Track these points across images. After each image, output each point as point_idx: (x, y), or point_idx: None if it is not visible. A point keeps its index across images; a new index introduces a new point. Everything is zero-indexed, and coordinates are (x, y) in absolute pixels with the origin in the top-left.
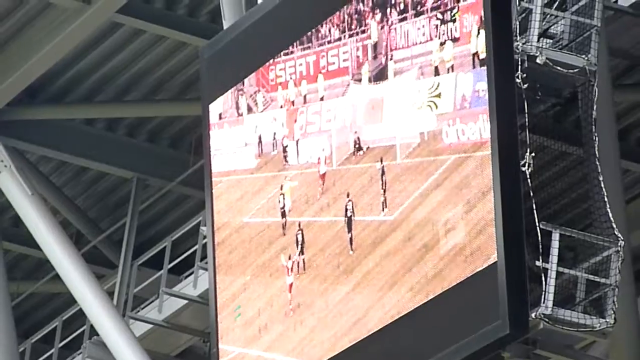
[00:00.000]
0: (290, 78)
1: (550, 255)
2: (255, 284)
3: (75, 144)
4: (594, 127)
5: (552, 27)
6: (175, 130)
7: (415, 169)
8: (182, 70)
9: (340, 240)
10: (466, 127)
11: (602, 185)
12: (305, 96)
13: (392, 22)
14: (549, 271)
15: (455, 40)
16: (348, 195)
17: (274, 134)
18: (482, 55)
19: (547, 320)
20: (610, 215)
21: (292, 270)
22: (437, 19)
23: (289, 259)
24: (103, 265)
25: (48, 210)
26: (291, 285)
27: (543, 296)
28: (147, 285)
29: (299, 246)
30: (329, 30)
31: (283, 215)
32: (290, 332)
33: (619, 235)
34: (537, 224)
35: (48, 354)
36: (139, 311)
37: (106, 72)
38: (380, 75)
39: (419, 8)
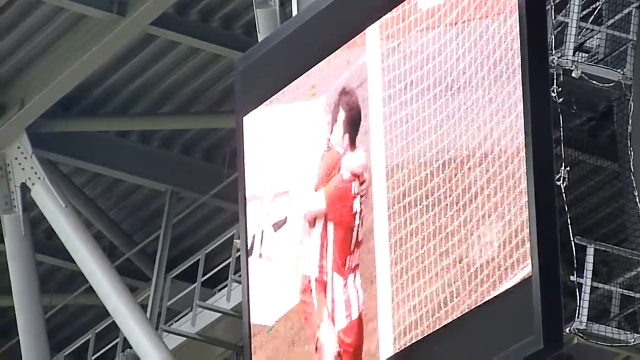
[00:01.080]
0: None
1: (585, 270)
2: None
3: (109, 156)
4: (629, 141)
5: (588, 41)
6: (210, 142)
7: None
8: (217, 83)
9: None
10: None
11: (637, 200)
12: None
13: None
14: (584, 286)
15: None
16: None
17: None
18: None
19: (581, 335)
20: None
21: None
22: None
23: None
24: (136, 278)
25: (81, 223)
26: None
27: (577, 311)
28: (181, 298)
29: None
30: None
31: None
32: None
33: None
34: (571, 239)
35: None
36: (172, 324)
37: (140, 84)
38: None
39: None
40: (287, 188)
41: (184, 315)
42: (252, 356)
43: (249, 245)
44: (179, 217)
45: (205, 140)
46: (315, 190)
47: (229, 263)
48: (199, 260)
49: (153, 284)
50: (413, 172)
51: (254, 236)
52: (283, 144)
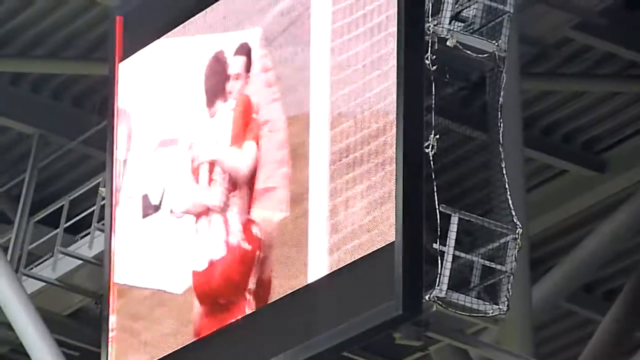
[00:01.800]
0: None
1: (448, 239)
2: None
3: None
4: (499, 113)
5: (465, 11)
6: (80, 89)
7: None
8: (91, 29)
9: None
10: None
11: (504, 172)
12: None
13: None
14: (446, 254)
15: None
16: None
17: None
18: None
19: (440, 303)
20: (510, 202)
21: None
22: None
23: None
24: None
25: None
26: None
27: (438, 279)
28: (43, 242)
29: None
30: None
31: None
32: None
33: (518, 222)
34: (437, 207)
35: None
36: (32, 268)
37: (14, 26)
38: None
39: None
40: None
41: (45, 261)
42: (111, 305)
43: (158, 200)
44: (46, 161)
45: (76, 86)
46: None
47: (94, 211)
48: (63, 206)
49: (15, 226)
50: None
51: (163, 190)
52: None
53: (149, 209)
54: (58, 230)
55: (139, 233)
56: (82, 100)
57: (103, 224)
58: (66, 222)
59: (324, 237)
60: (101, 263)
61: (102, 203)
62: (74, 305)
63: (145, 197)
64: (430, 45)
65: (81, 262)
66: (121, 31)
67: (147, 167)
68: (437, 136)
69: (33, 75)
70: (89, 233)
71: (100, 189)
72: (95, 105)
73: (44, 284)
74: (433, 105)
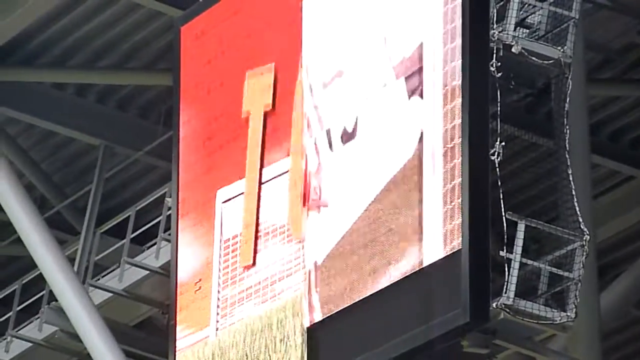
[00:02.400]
0: None
1: (515, 246)
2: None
3: (45, 108)
4: (565, 119)
5: (530, 17)
6: (145, 99)
7: None
8: (156, 40)
9: None
10: None
11: (571, 179)
12: None
13: None
14: (513, 262)
15: None
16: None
17: None
18: None
19: (507, 310)
20: (577, 209)
21: None
22: None
23: None
24: (65, 231)
25: (13, 173)
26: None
27: (505, 286)
28: (109, 253)
29: None
30: None
31: None
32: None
33: (585, 229)
34: (503, 214)
35: (5, 317)
36: (99, 279)
37: (79, 37)
38: None
39: None
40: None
41: (111, 271)
42: (178, 314)
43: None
44: (112, 172)
45: (141, 97)
46: None
47: (160, 221)
48: (129, 216)
49: (82, 238)
50: None
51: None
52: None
53: None
54: (124, 240)
55: None
56: (147, 111)
57: (169, 234)
58: (132, 232)
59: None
60: (168, 273)
61: (168, 213)
62: (140, 316)
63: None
64: (495, 52)
65: (148, 272)
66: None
67: None
68: (503, 143)
69: (98, 87)
70: (155, 243)
71: (167, 199)
72: (160, 116)
73: (110, 294)
74: (498, 112)
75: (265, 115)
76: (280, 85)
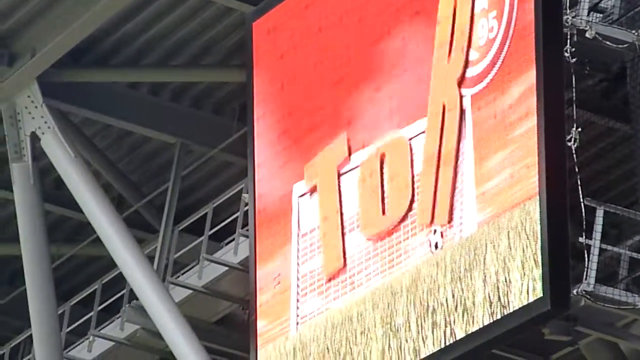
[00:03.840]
0: None
1: (594, 232)
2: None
3: (119, 108)
4: None
5: (603, 1)
6: (220, 96)
7: None
8: (228, 36)
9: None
10: None
11: None
12: None
13: None
14: (592, 248)
15: None
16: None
17: None
18: None
19: (588, 297)
20: None
21: None
22: None
23: None
24: (144, 230)
25: (90, 173)
26: None
27: (585, 273)
28: (188, 251)
29: None
30: None
31: None
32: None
33: None
34: (581, 200)
35: (87, 317)
36: (179, 277)
37: (152, 36)
38: None
39: None
40: None
41: (190, 268)
42: (258, 310)
43: None
44: (188, 170)
45: (216, 93)
46: None
47: (237, 217)
48: (206, 213)
49: (160, 236)
50: None
51: None
52: None
53: None
54: (203, 237)
55: None
56: (221, 108)
57: (247, 230)
58: (210, 229)
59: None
60: (246, 269)
61: (246, 209)
62: (221, 312)
63: None
64: (569, 37)
65: (227, 268)
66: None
67: None
68: (579, 129)
69: (172, 85)
70: (233, 239)
71: (243, 194)
72: (235, 112)
73: (190, 291)
74: (574, 98)
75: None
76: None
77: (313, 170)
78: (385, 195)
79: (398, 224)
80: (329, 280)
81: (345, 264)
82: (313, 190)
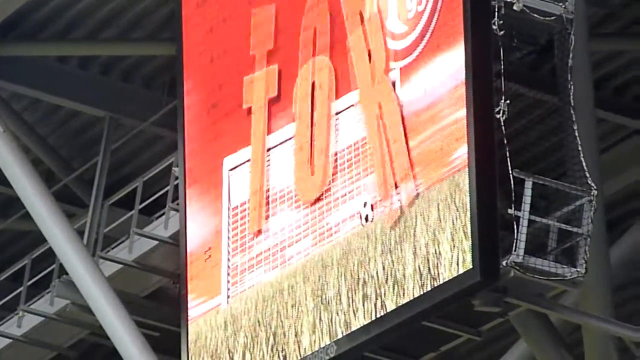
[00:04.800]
0: None
1: (523, 204)
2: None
3: (49, 82)
4: (569, 75)
5: None
6: (149, 69)
7: None
8: (158, 10)
9: None
10: None
11: (577, 134)
12: None
13: None
14: (521, 219)
15: None
16: None
17: None
18: None
19: (518, 268)
20: (584, 164)
21: None
22: None
23: None
24: (74, 204)
25: (19, 148)
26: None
27: (514, 244)
28: (118, 225)
29: None
30: None
31: None
32: None
33: (592, 184)
34: (510, 172)
35: (16, 292)
36: (109, 251)
37: (81, 9)
38: None
39: None
40: None
41: (121, 243)
42: (188, 284)
43: None
44: (118, 143)
45: (145, 67)
46: None
47: (167, 191)
48: (137, 187)
49: (90, 210)
50: None
51: None
52: None
53: None
54: (133, 211)
55: None
56: (151, 81)
57: (177, 204)
58: (141, 203)
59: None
60: (177, 243)
61: (176, 183)
62: (152, 286)
63: None
64: (497, 10)
65: (157, 242)
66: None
67: None
68: (508, 101)
69: (102, 58)
70: (163, 213)
71: (174, 168)
72: (164, 86)
73: (121, 266)
74: (502, 71)
75: (268, 82)
76: (282, 52)
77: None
78: (315, 165)
79: (327, 195)
80: (259, 254)
81: (267, 220)
82: (244, 163)
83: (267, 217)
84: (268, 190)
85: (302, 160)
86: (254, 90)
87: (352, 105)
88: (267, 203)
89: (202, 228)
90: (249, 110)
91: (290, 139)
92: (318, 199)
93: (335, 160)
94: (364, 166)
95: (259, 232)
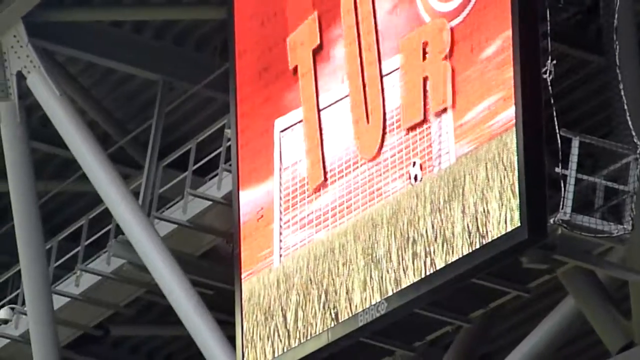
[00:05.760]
0: None
1: (570, 162)
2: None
3: (103, 46)
4: (615, 35)
5: None
6: (201, 33)
7: None
8: None
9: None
10: None
11: (622, 94)
12: None
13: None
14: (568, 177)
15: None
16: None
17: None
18: None
19: (565, 225)
20: (630, 123)
21: None
22: None
23: None
24: (129, 166)
25: (76, 111)
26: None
27: (562, 202)
28: (172, 186)
29: None
30: None
31: None
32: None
33: (638, 142)
34: (557, 131)
35: (74, 251)
36: (163, 211)
37: None
38: None
39: None
40: None
41: (175, 203)
42: (242, 243)
43: None
44: (171, 106)
45: (197, 31)
46: None
47: (220, 152)
48: (190, 149)
49: (145, 171)
50: None
51: None
52: None
53: None
54: (187, 173)
55: None
56: (203, 45)
57: (230, 165)
58: (194, 164)
59: None
60: (230, 203)
61: (228, 144)
62: (205, 246)
63: None
64: None
65: (211, 202)
66: None
67: None
68: (554, 61)
69: (155, 23)
70: (216, 174)
71: (226, 130)
72: (216, 49)
73: (175, 226)
74: (548, 31)
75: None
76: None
77: (295, 105)
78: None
79: (381, 154)
80: (311, 213)
81: (326, 179)
82: (295, 124)
83: (320, 178)
84: (323, 150)
85: (359, 117)
86: (297, 48)
87: (398, 69)
88: (323, 162)
89: (254, 188)
90: (295, 69)
91: (342, 99)
92: (373, 158)
93: (385, 121)
94: (411, 118)
95: (315, 190)
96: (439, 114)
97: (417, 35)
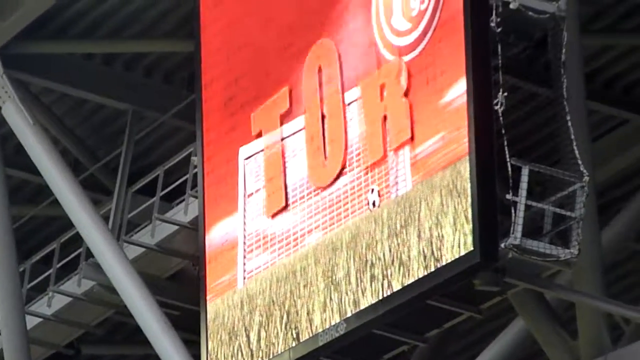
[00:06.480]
0: None
1: (520, 189)
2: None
3: (76, 77)
4: (562, 69)
5: None
6: (169, 65)
7: None
8: (177, 9)
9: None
10: None
11: (570, 124)
12: None
13: None
14: (519, 204)
15: None
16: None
17: None
18: None
19: (515, 250)
20: (577, 152)
21: None
22: None
23: None
24: (99, 192)
25: (48, 139)
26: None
27: (512, 227)
28: (141, 211)
29: None
30: None
31: None
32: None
33: (585, 171)
34: (508, 160)
35: (46, 274)
36: (132, 235)
37: (105, 9)
38: None
39: None
40: None
41: (143, 227)
42: (207, 266)
43: None
44: (140, 135)
45: (165, 63)
46: None
47: (187, 179)
48: (158, 175)
49: (115, 197)
50: None
51: None
52: None
53: None
54: (155, 198)
55: None
56: (171, 76)
57: (196, 191)
58: (162, 190)
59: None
60: (196, 227)
61: (195, 171)
62: (172, 268)
63: None
64: (495, 8)
65: (178, 227)
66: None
67: None
68: (505, 94)
69: (125, 55)
70: (183, 200)
71: (192, 157)
72: (184, 80)
73: (143, 249)
74: (500, 65)
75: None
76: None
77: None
78: (327, 155)
79: (337, 182)
80: (273, 238)
81: (287, 204)
82: (258, 153)
83: (281, 203)
84: (284, 178)
85: (315, 149)
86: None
87: (358, 98)
88: (285, 188)
89: (219, 213)
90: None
91: (302, 129)
92: (329, 186)
93: (345, 149)
94: (372, 155)
95: (274, 216)
96: (398, 148)
97: (377, 76)
